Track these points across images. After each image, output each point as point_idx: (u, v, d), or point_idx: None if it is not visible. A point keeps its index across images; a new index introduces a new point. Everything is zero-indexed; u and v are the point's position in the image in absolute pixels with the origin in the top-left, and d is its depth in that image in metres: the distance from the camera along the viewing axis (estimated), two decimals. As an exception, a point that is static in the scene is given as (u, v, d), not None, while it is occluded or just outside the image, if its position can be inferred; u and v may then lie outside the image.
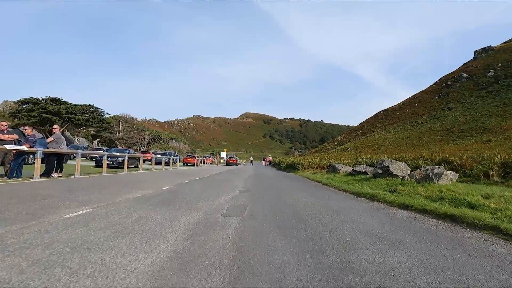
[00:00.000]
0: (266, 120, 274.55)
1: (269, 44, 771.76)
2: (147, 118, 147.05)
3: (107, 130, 48.08)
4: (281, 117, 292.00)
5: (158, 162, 23.94)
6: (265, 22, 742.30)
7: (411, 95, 59.64)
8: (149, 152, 29.63)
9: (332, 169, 13.58)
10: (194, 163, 27.89)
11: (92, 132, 47.02)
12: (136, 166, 17.08)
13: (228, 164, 43.54)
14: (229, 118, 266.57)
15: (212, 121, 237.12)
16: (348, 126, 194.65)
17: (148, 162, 23.48)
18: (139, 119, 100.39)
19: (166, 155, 25.13)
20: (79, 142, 41.35)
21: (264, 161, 56.85)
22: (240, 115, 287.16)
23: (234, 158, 47.76)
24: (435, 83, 55.35)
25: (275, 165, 39.14)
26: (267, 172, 19.99)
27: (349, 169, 12.44)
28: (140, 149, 46.60)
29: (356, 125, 69.11)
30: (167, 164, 23.55)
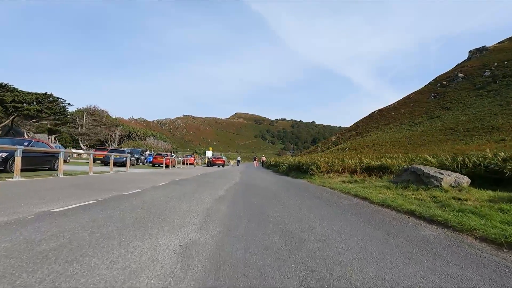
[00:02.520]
0: (258, 121, 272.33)
1: (260, 45, 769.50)
2: (135, 117, 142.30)
3: (68, 124, 41.53)
4: (272, 118, 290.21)
5: (113, 162, 20.97)
6: (256, 23, 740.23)
7: (398, 97, 60.22)
8: (106, 150, 24.75)
9: (414, 177, 7.02)
10: (163, 164, 23.27)
11: (48, 126, 40.58)
12: (51, 168, 12.48)
13: (212, 165, 36.74)
14: (220, 118, 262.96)
15: (203, 121, 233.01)
16: (340, 127, 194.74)
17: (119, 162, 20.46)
18: (126, 118, 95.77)
19: (124, 153, 21.44)
20: (27, 137, 36.77)
21: (255, 162, 53.55)
22: (232, 115, 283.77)
23: (221, 157, 40.81)
24: (429, 83, 55.71)
25: (269, 166, 35.87)
26: (263, 177, 14.58)
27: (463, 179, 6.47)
28: (109, 146, 42.22)
29: (348, 126, 68.38)
30: (124, 165, 20.66)
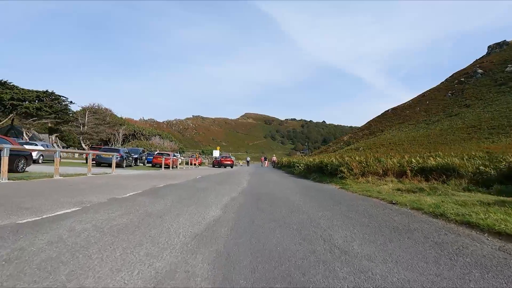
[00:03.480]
0: (267, 121, 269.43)
1: (269, 45, 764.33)
2: (145, 118, 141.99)
3: (70, 123, 38.66)
4: (282, 118, 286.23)
5: (104, 162, 18.56)
6: (264, 23, 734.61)
7: (410, 95, 60.91)
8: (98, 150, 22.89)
9: None
10: (162, 164, 20.73)
11: (49, 124, 37.84)
12: (19, 169, 10.13)
13: (219, 165, 33.50)
14: (230, 118, 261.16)
15: (212, 121, 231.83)
16: (351, 126, 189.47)
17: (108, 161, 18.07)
18: (136, 119, 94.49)
19: (119, 152, 18.97)
20: (28, 137, 34.68)
21: (266, 162, 50.31)
22: (241, 116, 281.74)
23: (229, 157, 37.34)
24: (446, 80, 53.66)
25: (282, 166, 32.92)
26: (277, 181, 11.73)
27: None
28: (112, 145, 39.75)
29: (360, 125, 67.58)
30: (119, 165, 18.24)
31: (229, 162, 33.69)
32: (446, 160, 8.35)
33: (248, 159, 57.58)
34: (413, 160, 9.62)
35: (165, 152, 26.02)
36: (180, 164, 27.32)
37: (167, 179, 10.65)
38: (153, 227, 3.25)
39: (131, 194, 5.81)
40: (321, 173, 13.24)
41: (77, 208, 4.08)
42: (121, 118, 53.29)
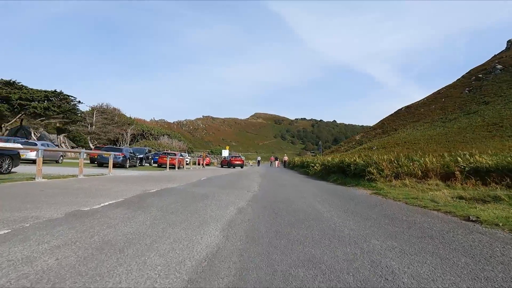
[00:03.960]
0: (277, 121, 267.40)
1: (278, 45, 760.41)
2: (156, 119, 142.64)
3: (78, 123, 37.97)
4: (292, 117, 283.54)
5: (106, 162, 17.56)
6: (273, 23, 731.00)
7: (424, 93, 58.86)
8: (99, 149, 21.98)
9: None
10: (166, 164, 19.57)
11: (57, 124, 37.48)
12: (3, 171, 9.05)
13: (228, 165, 31.75)
14: (240, 118, 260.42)
15: (222, 121, 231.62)
16: (362, 126, 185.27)
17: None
18: (147, 119, 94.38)
19: (121, 151, 17.87)
20: (35, 137, 34.03)
21: (276, 162, 48.56)
22: (251, 116, 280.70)
23: (239, 157, 35.59)
24: (462, 77, 51.76)
25: (294, 166, 31.34)
26: (294, 184, 10.22)
27: None
28: (120, 145, 38.93)
29: (371, 124, 65.55)
30: (122, 166, 17.13)
31: (239, 162, 32.24)
32: (509, 159, 6.59)
33: (259, 158, 55.89)
34: (458, 158, 7.86)
35: (171, 152, 24.84)
36: (187, 164, 26.14)
37: (166, 181, 9.27)
38: (91, 278, 1.78)
39: (105, 204, 4.39)
40: (342, 174, 11.60)
41: (4, 232, 2.68)
42: (130, 118, 52.75)
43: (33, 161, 16.43)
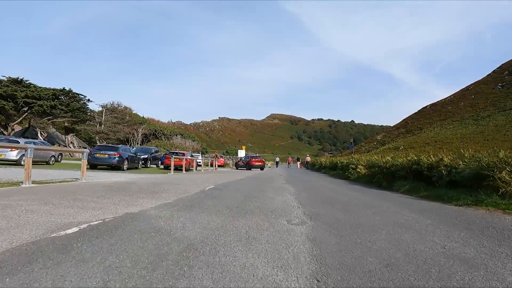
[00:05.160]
0: (294, 121, 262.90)
1: (294, 45, 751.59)
2: (173, 121, 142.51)
3: (86, 122, 36.51)
4: (309, 118, 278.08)
5: (101, 164, 14.52)
6: (290, 23, 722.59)
7: (448, 91, 54.97)
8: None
9: None
10: (171, 166, 17.04)
11: (65, 123, 35.87)
12: None
13: (247, 167, 28.50)
14: (255, 119, 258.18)
15: (238, 122, 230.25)
16: (382, 126, 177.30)
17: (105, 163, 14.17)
18: (165, 121, 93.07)
19: (117, 150, 15.00)
20: (42, 137, 32.18)
21: (298, 163, 44.83)
22: (267, 117, 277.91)
23: (259, 158, 32.28)
24: (493, 72, 49.59)
25: (321, 168, 27.51)
26: (361, 201, 6.10)
27: None
28: (131, 145, 36.52)
29: (392, 124, 64.07)
30: (118, 167, 14.34)
31: (259, 164, 28.97)
32: None
33: (277, 159, 52.28)
34: None
35: (179, 152, 21.83)
36: (199, 165, 23.01)
37: (146, 194, 5.79)
38: None
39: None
40: (417, 181, 7.82)
41: None
42: (143, 117, 50.81)
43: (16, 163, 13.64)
